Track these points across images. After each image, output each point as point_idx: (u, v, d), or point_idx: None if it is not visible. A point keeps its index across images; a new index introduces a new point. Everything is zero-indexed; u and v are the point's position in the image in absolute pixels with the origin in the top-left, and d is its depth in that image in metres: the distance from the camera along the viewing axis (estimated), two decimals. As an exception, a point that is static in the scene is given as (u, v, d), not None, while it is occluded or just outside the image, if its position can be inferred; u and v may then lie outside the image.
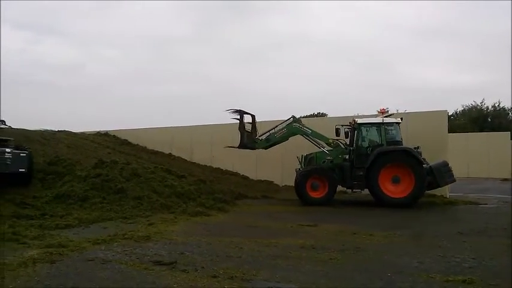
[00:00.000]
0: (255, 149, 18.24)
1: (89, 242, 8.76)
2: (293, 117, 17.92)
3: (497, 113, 45.09)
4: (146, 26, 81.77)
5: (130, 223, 11.37)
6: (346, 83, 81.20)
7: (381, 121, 16.29)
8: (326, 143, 17.19)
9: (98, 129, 30.26)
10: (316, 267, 7.07)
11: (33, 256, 7.44)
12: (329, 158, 16.93)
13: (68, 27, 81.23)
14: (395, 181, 15.58)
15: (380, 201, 15.57)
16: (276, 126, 17.91)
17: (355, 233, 10.21)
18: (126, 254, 7.84)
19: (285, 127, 17.67)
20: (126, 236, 9.38)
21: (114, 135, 29.15)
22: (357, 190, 16.56)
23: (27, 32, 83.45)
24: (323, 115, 46.45)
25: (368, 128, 16.65)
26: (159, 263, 7.19)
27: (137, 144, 27.77)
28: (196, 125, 26.70)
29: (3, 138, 14.19)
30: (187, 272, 6.65)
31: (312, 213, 14.02)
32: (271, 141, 17.84)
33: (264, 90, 78.49)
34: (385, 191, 15.51)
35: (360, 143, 16.57)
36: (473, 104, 47.31)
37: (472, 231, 10.59)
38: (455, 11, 78.01)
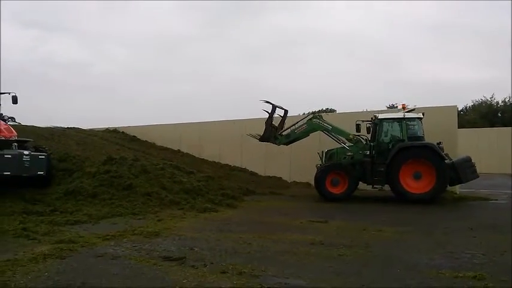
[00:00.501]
0: (275, 144, 18.23)
1: (99, 238, 8.80)
2: (313, 113, 17.86)
3: (507, 108, 44.67)
4: (154, 25, 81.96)
5: (139, 219, 11.42)
6: (354, 79, 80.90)
7: (402, 116, 16.16)
8: (347, 139, 17.09)
9: (106, 126, 30.43)
10: (325, 264, 7.05)
11: (43, 252, 7.48)
12: (350, 153, 16.85)
13: (76, 26, 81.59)
14: (417, 177, 15.40)
15: (401, 197, 15.43)
16: (297, 123, 17.89)
17: (364, 229, 10.17)
18: (135, 250, 7.88)
19: (305, 123, 17.62)
20: (135, 232, 9.41)
21: (123, 132, 29.31)
22: (377, 186, 16.44)
23: (36, 30, 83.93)
24: (332, 111, 46.27)
25: (389, 123, 16.52)
26: (168, 258, 7.21)
27: (146, 141, 27.88)
28: (204, 121, 26.75)
29: (22, 139, 14.09)
30: (197, 268, 6.66)
31: (321, 209, 14.00)
32: (291, 137, 17.84)
33: (273, 87, 78.36)
34: (406, 187, 15.34)
35: (380, 138, 16.46)
36: (483, 99, 46.96)
37: (482, 227, 10.51)
38: (465, 6, 77.35)
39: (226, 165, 24.20)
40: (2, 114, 14.72)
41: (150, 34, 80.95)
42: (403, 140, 15.83)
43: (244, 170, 23.56)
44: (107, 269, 6.62)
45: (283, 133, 17.97)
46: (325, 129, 17.44)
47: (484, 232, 9.87)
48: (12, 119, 14.99)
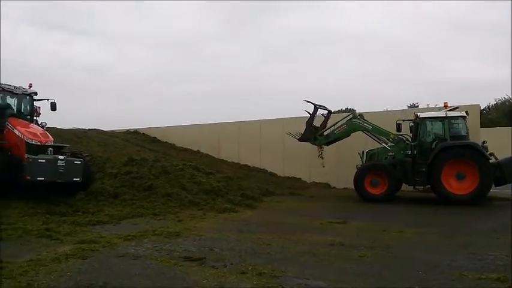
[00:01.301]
0: (315, 144, 18.14)
1: (120, 238, 8.88)
2: (353, 113, 17.70)
3: (531, 107, 43.75)
4: (174, 26, 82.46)
5: (160, 219, 11.51)
6: (374, 78, 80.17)
7: (445, 115, 15.78)
8: (387, 139, 16.84)
9: (127, 128, 30.75)
10: (346, 265, 7.00)
11: (65, 252, 7.57)
12: (391, 153, 16.61)
13: (98, 28, 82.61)
14: (460, 177, 14.99)
15: (443, 198, 15.05)
16: (337, 123, 17.78)
17: (384, 230, 10.08)
18: (156, 250, 7.94)
19: (345, 123, 17.51)
20: (156, 232, 9.49)
21: (143, 133, 29.63)
22: (419, 187, 16.13)
23: (59, 33, 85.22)
24: (352, 111, 45.89)
25: (431, 122, 16.17)
26: (188, 258, 7.24)
27: (166, 142, 28.09)
28: (223, 122, 26.82)
29: (59, 144, 13.77)
30: (217, 268, 6.68)
31: (341, 210, 13.91)
32: (331, 138, 17.76)
33: (291, 87, 78.12)
34: (448, 188, 14.94)
35: (422, 137, 16.14)
36: (506, 97, 46.05)
37: (506, 228, 10.28)
38: (486, 2, 76.03)
39: (245, 165, 24.24)
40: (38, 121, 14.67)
41: (169, 35, 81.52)
42: (445, 140, 15.43)
43: (263, 171, 23.56)
44: (128, 269, 6.68)
45: (324, 133, 17.85)
46: (365, 129, 17.22)
47: (508, 233, 9.64)
48: (44, 124, 14.96)
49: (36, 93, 14.56)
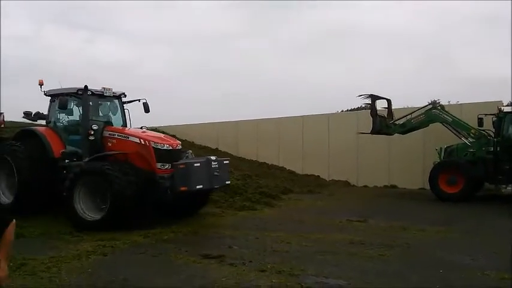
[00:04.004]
0: (389, 134, 17.64)
1: (140, 235, 8.95)
2: (433, 103, 17.07)
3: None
4: (198, 23, 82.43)
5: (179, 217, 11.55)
6: (399, 74, 78.54)
7: None
8: (468, 133, 15.83)
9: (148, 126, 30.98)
10: (365, 264, 6.95)
11: (86, 249, 7.69)
12: (471, 150, 15.51)
13: (121, 27, 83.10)
14: None
15: None
16: (414, 112, 17.21)
17: (405, 229, 9.95)
18: (175, 247, 7.98)
19: (423, 113, 16.81)
20: (175, 230, 9.54)
21: (163, 131, 29.77)
22: (502, 186, 15.22)
23: (83, 32, 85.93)
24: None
25: None
26: (207, 256, 7.26)
27: (185, 140, 28.22)
28: (241, 119, 26.85)
29: (182, 150, 11.50)
30: (235, 266, 6.69)
31: (361, 209, 13.75)
32: (407, 127, 17.03)
33: (316, 84, 77.27)
34: None
35: (506, 133, 15.02)
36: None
37: (530, 227, 10.11)
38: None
39: (264, 163, 24.14)
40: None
41: (193, 33, 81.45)
42: None
43: (281, 169, 23.44)
44: (148, 266, 6.75)
45: (397, 122, 17.39)
46: (444, 121, 16.28)
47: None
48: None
49: (125, 95, 12.42)
